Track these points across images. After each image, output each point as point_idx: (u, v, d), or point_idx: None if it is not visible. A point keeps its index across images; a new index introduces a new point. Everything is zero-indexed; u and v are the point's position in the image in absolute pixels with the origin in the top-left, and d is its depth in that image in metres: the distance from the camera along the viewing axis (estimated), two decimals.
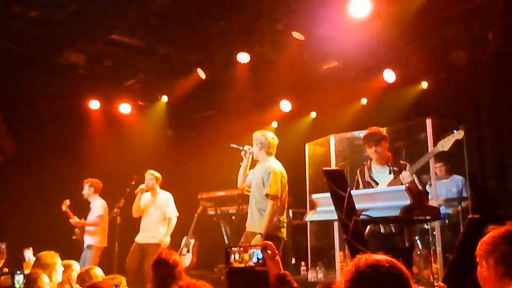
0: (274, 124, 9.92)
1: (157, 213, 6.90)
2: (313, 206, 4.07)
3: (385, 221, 3.41)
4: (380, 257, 1.65)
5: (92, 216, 7.27)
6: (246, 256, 2.07)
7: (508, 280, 2.03)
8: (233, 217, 7.59)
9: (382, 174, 4.53)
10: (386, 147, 4.56)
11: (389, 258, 1.65)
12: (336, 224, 6.82)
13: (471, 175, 6.67)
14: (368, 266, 1.61)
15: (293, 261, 8.01)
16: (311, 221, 7.07)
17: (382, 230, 4.30)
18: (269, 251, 2.09)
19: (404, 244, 4.14)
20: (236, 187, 7.38)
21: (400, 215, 3.23)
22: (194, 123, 10.37)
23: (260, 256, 2.07)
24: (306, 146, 7.68)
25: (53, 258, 4.26)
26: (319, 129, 8.41)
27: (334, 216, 3.10)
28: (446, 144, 4.02)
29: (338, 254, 6.92)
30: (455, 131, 4.01)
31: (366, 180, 4.63)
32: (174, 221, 6.92)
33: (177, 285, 1.87)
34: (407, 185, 4.01)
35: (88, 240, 7.13)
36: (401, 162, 4.48)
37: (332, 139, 7.22)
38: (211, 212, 8.21)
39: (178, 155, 9.63)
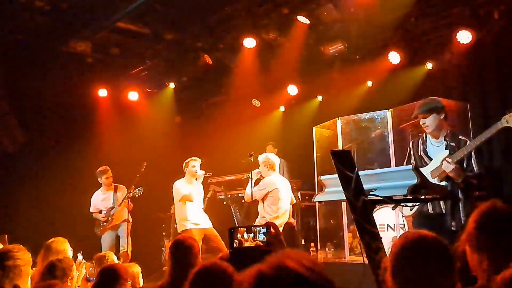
0: (282, 108, 9.97)
1: (201, 198, 7.14)
2: (321, 187, 4.07)
3: (392, 201, 3.44)
4: (426, 232, 1.72)
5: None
6: (251, 235, 2.08)
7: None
8: (243, 201, 7.67)
9: (437, 149, 4.17)
10: (440, 119, 4.15)
11: (433, 234, 1.72)
12: (344, 205, 6.91)
13: (477, 154, 6.69)
14: (414, 241, 1.69)
15: (303, 242, 8.12)
16: (320, 203, 7.17)
17: (430, 210, 4.12)
18: (272, 231, 2.12)
19: (454, 226, 3.93)
20: (245, 171, 7.51)
21: (407, 195, 3.26)
22: (202, 109, 10.44)
23: (264, 235, 2.09)
24: (314, 129, 7.74)
25: (63, 244, 4.30)
26: (326, 112, 8.46)
27: (342, 196, 3.14)
28: (511, 119, 3.70)
29: (347, 235, 7.02)
30: None
31: (419, 154, 4.30)
32: None
33: (200, 263, 1.90)
34: (413, 163, 4.01)
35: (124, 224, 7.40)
36: (460, 137, 4.08)
37: (339, 121, 7.29)
38: (221, 196, 8.31)
39: (186, 140, 9.70)
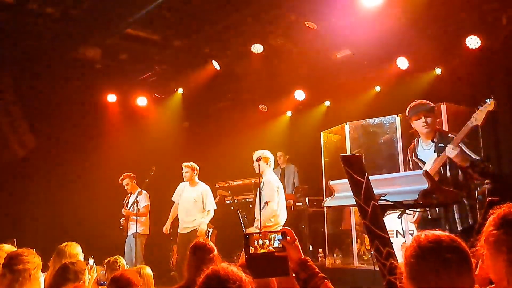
0: (289, 113, 9.99)
1: (197, 205, 7.14)
2: (330, 192, 4.05)
3: (403, 206, 3.43)
4: (440, 232, 1.69)
5: (140, 207, 7.46)
6: (266, 242, 2.07)
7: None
8: (250, 206, 7.68)
9: (427, 152, 4.12)
10: (436, 120, 4.12)
11: (449, 234, 1.69)
12: (353, 211, 6.90)
13: (486, 160, 6.67)
14: (430, 241, 1.66)
15: (311, 248, 8.10)
16: (328, 208, 7.16)
17: (429, 215, 4.08)
18: (288, 237, 2.09)
19: (448, 229, 3.79)
20: (253, 176, 7.53)
21: (417, 200, 3.25)
22: (210, 114, 10.47)
23: (280, 242, 2.07)
24: (321, 134, 7.74)
25: (75, 248, 4.30)
26: (334, 118, 8.46)
27: (352, 201, 3.12)
28: (478, 116, 3.72)
29: (355, 241, 7.00)
30: (487, 100, 3.74)
31: (414, 159, 4.26)
32: (212, 213, 7.22)
33: (212, 267, 1.89)
34: (425, 169, 3.99)
35: (135, 228, 7.33)
36: (450, 135, 3.98)
37: (347, 127, 7.28)
38: (228, 201, 8.32)
39: (194, 145, 9.74)
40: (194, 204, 7.13)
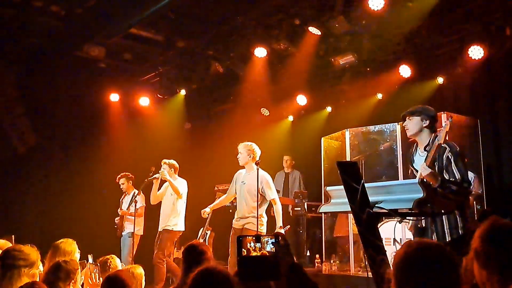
0: (290, 118, 9.99)
1: (171, 200, 7.05)
2: (327, 198, 4.06)
3: (398, 215, 3.43)
4: (430, 241, 1.73)
5: (137, 207, 7.40)
6: (258, 245, 2.08)
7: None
8: None
9: (421, 159, 4.01)
10: (423, 125, 3.99)
11: (437, 242, 1.73)
12: (350, 217, 6.88)
13: (487, 169, 6.68)
14: (418, 249, 1.68)
15: (308, 253, 8.08)
16: (325, 214, 7.15)
17: (418, 224, 4.07)
18: (281, 241, 2.10)
19: (435, 239, 3.81)
20: None
21: (412, 208, 3.25)
22: (211, 116, 10.48)
23: (273, 245, 2.08)
24: (322, 140, 7.73)
25: (71, 245, 4.29)
26: (335, 123, 8.45)
27: (348, 208, 3.13)
28: (441, 135, 3.78)
29: (352, 247, 6.98)
30: (447, 121, 3.86)
31: (410, 167, 4.22)
32: (178, 204, 7.01)
33: (200, 267, 1.93)
34: (421, 178, 3.98)
35: (130, 228, 7.33)
36: (443, 145, 3.83)
37: (347, 133, 7.26)
38: (226, 204, 8.30)
39: (195, 147, 9.74)
40: (171, 198, 7.07)
